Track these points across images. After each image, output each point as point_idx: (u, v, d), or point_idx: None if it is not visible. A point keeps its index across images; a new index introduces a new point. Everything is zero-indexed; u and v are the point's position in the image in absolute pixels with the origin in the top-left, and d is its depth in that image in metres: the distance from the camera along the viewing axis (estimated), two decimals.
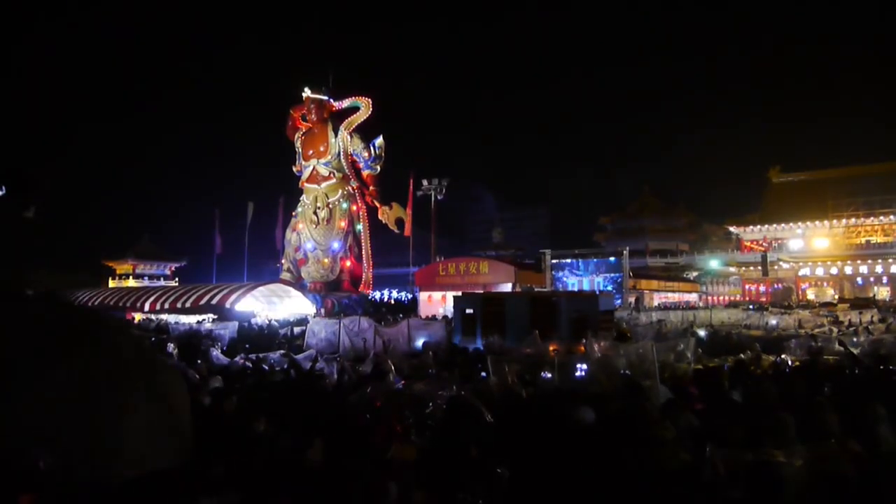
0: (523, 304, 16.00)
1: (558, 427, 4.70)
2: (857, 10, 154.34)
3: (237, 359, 10.70)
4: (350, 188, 36.87)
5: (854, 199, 53.76)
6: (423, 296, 36.09)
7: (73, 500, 2.37)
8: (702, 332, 14.96)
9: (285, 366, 9.00)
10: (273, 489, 4.11)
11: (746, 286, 60.02)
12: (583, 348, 10.75)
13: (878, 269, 52.79)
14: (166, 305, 29.64)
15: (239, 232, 45.65)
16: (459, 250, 59.21)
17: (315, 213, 36.39)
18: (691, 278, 57.04)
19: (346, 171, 36.61)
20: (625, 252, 34.80)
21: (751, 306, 39.38)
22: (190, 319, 23.60)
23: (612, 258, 35.51)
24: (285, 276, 36.67)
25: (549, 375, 7.27)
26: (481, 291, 27.15)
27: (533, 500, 3.89)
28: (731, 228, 61.07)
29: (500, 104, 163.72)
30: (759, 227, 58.21)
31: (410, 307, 35.45)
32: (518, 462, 4.07)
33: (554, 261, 35.92)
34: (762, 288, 58.49)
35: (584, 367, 7.50)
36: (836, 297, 46.92)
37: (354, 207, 36.84)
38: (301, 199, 37.66)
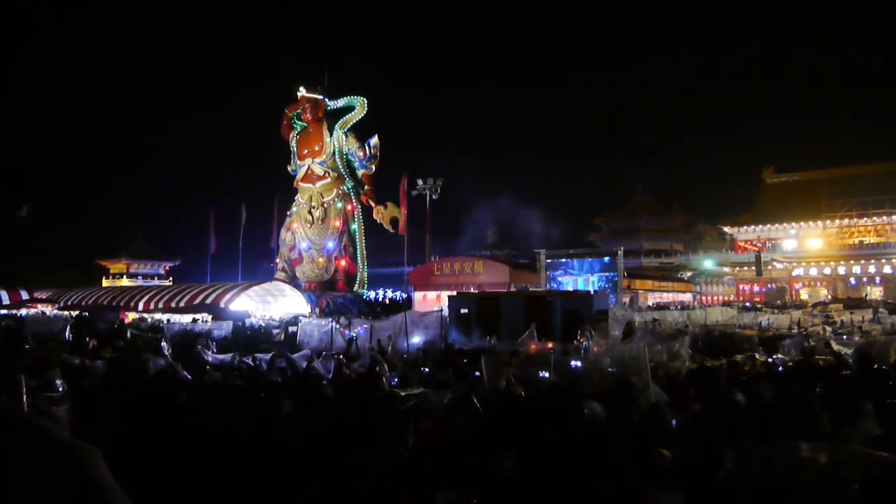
0: (518, 304, 16.02)
1: (555, 423, 4.71)
2: (851, 12, 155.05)
3: (227, 357, 10.65)
4: (345, 187, 36.85)
5: (847, 200, 53.97)
6: (417, 295, 36.05)
7: None
8: (696, 332, 14.98)
9: (282, 365, 8.97)
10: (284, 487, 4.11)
11: (740, 286, 60.20)
12: (573, 347, 10.79)
13: (871, 269, 53.02)
14: (160, 305, 29.53)
15: (233, 231, 45.54)
16: (454, 250, 59.17)
17: (310, 212, 36.37)
18: (686, 278, 57.17)
19: (341, 170, 36.59)
20: (619, 252, 34.77)
21: (747, 304, 39.58)
22: (184, 319, 23.52)
23: (606, 258, 35.41)
24: (280, 275, 36.61)
25: (547, 375, 7.29)
26: (476, 291, 27.14)
27: (529, 493, 3.89)
28: (726, 228, 61.24)
29: (497, 104, 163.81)
30: (752, 227, 58.41)
31: (405, 307, 35.43)
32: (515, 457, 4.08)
33: (549, 260, 35.88)
34: (756, 288, 58.68)
35: (579, 364, 7.52)
36: (830, 297, 47.12)
37: (349, 207, 36.83)
38: (296, 198, 37.63)
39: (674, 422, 4.95)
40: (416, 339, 14.77)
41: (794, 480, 3.20)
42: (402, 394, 5.94)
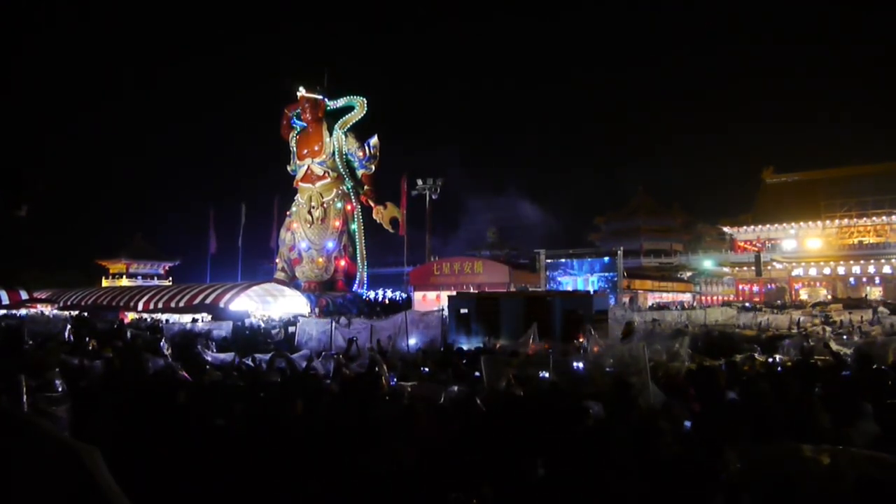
0: (518, 304, 16.01)
1: (555, 423, 4.71)
2: (850, 13, 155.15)
3: (227, 356, 10.67)
4: (344, 187, 36.84)
5: (847, 200, 53.97)
6: (417, 295, 36.07)
7: None
8: (695, 332, 14.98)
9: (282, 365, 8.97)
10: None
11: (740, 286, 60.21)
12: (573, 347, 10.80)
13: (871, 269, 53.03)
14: (160, 305, 29.54)
15: (233, 231, 45.55)
16: (454, 250, 59.17)
17: (309, 212, 36.35)
18: (685, 278, 57.18)
19: (341, 170, 36.58)
20: (619, 252, 34.79)
21: (747, 304, 39.59)
22: (184, 319, 23.53)
23: (606, 258, 35.45)
24: (280, 275, 36.60)
25: (547, 375, 7.29)
26: (476, 291, 27.15)
27: (532, 495, 3.89)
28: (725, 229, 61.24)
29: (497, 104, 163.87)
30: (752, 227, 58.41)
31: (405, 307, 35.44)
32: (517, 458, 4.09)
33: (548, 260, 35.91)
34: (755, 288, 58.69)
35: (580, 366, 7.52)
36: (829, 297, 47.15)
37: (349, 207, 36.82)
38: (295, 198, 37.61)
39: (687, 424, 4.94)
40: (416, 340, 14.77)
41: (795, 481, 3.20)
42: (407, 385, 5.96)
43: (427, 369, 9.21)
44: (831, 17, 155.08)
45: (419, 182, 40.92)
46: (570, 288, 33.31)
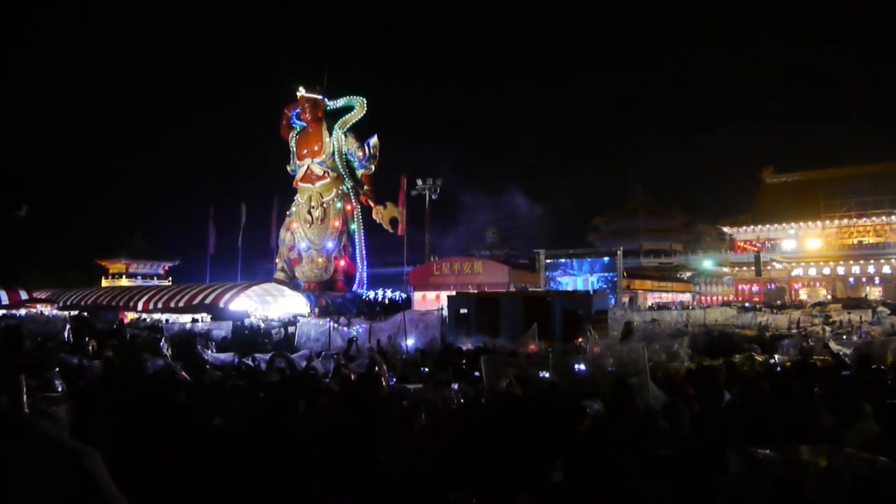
0: (518, 304, 16.00)
1: (555, 423, 4.71)
2: (850, 13, 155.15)
3: (227, 356, 10.66)
4: (344, 187, 36.85)
5: (846, 200, 54.00)
6: (417, 295, 36.06)
7: None
8: (695, 332, 14.96)
9: (281, 365, 8.96)
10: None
11: (740, 286, 60.22)
12: (573, 347, 10.79)
13: (871, 269, 53.06)
14: (160, 305, 29.55)
15: (233, 231, 45.57)
16: (454, 250, 59.17)
17: (309, 212, 36.36)
18: (685, 278, 57.18)
19: (341, 170, 36.60)
20: (619, 252, 34.79)
21: (747, 304, 39.61)
22: (183, 319, 23.52)
23: (606, 258, 35.45)
24: (279, 275, 36.61)
25: (547, 375, 7.28)
26: (476, 291, 27.15)
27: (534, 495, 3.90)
28: (725, 229, 61.26)
29: (497, 104, 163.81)
30: (752, 227, 58.44)
31: (405, 307, 35.44)
32: (516, 459, 4.09)
33: (548, 260, 35.90)
34: (755, 288, 58.70)
35: (583, 367, 7.51)
36: (829, 297, 47.16)
37: (348, 207, 36.84)
38: (295, 198, 37.63)
39: None
40: (415, 340, 14.75)
41: (794, 482, 3.21)
42: (410, 387, 5.96)
43: (427, 369, 9.20)
44: (831, 17, 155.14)
45: (419, 182, 40.91)
46: (569, 288, 33.30)
